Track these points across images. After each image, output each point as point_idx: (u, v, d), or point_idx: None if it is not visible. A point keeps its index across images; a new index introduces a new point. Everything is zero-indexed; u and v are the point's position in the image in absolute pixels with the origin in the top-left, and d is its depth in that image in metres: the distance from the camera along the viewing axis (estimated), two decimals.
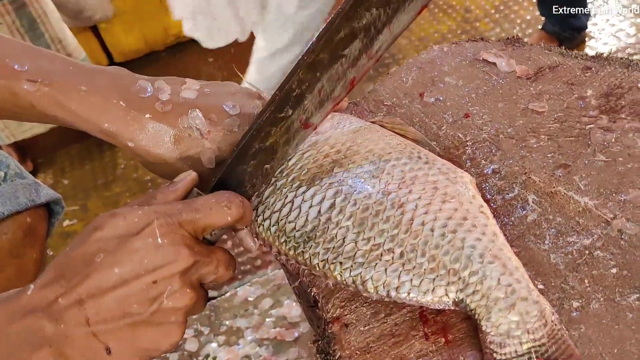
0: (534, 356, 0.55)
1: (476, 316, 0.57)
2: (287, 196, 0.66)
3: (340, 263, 0.61)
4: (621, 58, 0.84)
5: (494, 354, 0.56)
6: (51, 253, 2.55)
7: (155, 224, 0.56)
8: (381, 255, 0.60)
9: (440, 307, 0.59)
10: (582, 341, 0.57)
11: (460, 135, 0.79)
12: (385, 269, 0.59)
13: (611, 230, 0.64)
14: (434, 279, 0.58)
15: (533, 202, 0.68)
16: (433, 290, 0.58)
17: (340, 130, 0.71)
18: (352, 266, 0.61)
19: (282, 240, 0.65)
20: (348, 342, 0.62)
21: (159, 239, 0.56)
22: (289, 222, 0.65)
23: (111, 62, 3.64)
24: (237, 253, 1.96)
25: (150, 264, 0.55)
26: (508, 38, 0.93)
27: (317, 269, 0.63)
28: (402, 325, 0.62)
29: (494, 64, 0.89)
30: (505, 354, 0.55)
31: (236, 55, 3.48)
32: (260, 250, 2.00)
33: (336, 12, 0.58)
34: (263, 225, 0.67)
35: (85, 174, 3.04)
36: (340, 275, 0.61)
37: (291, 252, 0.65)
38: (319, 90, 0.62)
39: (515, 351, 0.55)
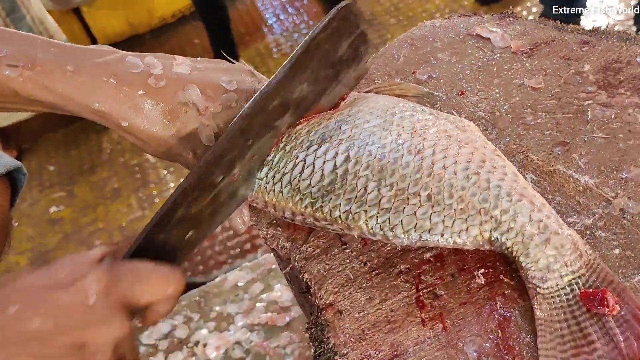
0: (577, 288, 0.55)
1: (513, 253, 0.56)
2: (297, 157, 0.64)
3: (365, 212, 0.59)
4: (618, 32, 0.82)
5: (537, 289, 0.56)
6: (16, 224, 2.52)
7: (89, 278, 0.51)
8: (407, 199, 0.58)
9: (475, 247, 0.57)
10: None
11: (455, 113, 0.76)
12: (415, 212, 0.57)
13: (613, 209, 0.62)
14: (466, 219, 0.57)
15: (531, 182, 0.66)
16: (467, 230, 0.57)
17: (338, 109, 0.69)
18: (378, 213, 0.58)
19: (297, 199, 0.62)
20: (342, 329, 0.60)
21: (92, 297, 0.50)
22: (303, 180, 0.62)
23: None
24: (227, 237, 1.95)
25: (79, 324, 0.49)
26: (502, 12, 0.91)
27: (340, 221, 0.60)
28: (398, 311, 0.60)
29: (488, 39, 0.86)
30: (548, 288, 0.55)
31: None
32: (249, 233, 1.98)
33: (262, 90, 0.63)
34: (274, 190, 0.64)
35: (71, 159, 3.01)
36: (366, 224, 0.59)
37: (308, 210, 0.62)
38: (250, 157, 0.64)
39: (557, 284, 0.55)
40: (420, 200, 0.57)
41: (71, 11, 3.35)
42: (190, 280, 1.85)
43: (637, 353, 0.51)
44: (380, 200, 0.58)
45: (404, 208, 0.58)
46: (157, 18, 3.62)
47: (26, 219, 2.71)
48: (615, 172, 0.65)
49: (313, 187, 0.62)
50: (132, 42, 3.63)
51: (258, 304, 1.60)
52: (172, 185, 2.65)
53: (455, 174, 0.58)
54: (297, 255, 0.67)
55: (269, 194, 0.65)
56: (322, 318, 0.61)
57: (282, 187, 0.63)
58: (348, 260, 0.65)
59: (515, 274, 0.59)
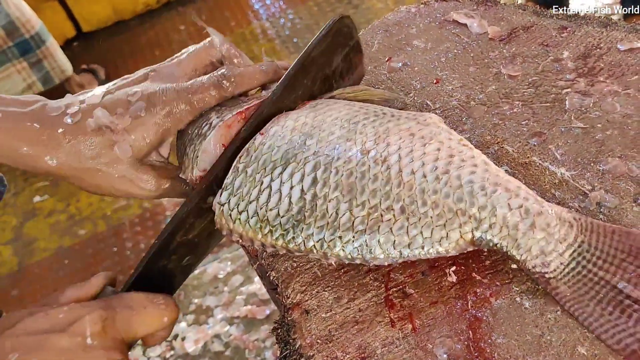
0: (583, 256, 0.53)
1: (504, 249, 0.54)
2: (262, 182, 0.60)
3: (340, 237, 0.56)
4: (599, 17, 0.79)
5: (546, 275, 0.54)
6: None
7: (86, 319, 0.53)
8: (381, 216, 0.56)
9: (459, 252, 0.55)
10: (558, 325, 0.53)
11: (429, 102, 0.74)
12: (390, 229, 0.55)
13: (589, 202, 0.59)
14: (444, 225, 0.54)
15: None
16: (447, 236, 0.54)
17: (298, 109, 0.66)
18: (353, 237, 0.56)
19: (267, 231, 0.59)
20: (309, 330, 0.58)
21: (89, 339, 0.52)
22: (271, 210, 0.59)
23: (79, 32, 3.54)
24: None
25: None
26: None
27: (315, 251, 0.57)
28: (367, 311, 0.58)
29: (465, 25, 0.84)
30: (555, 271, 0.53)
31: (207, 23, 3.40)
32: None
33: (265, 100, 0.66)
34: (239, 219, 0.61)
35: None
36: (343, 250, 0.56)
37: (279, 242, 0.59)
38: None
39: (561, 263, 0.53)
40: (394, 215, 0.55)
41: None
42: None
43: None
44: (353, 223, 0.56)
45: (379, 226, 0.55)
46: (142, 4, 3.57)
47: (10, 208, 2.68)
48: (592, 164, 0.62)
49: (282, 217, 0.59)
50: (117, 28, 3.59)
51: (238, 297, 1.58)
52: None
53: (425, 177, 0.56)
54: (264, 252, 0.65)
55: (234, 222, 0.61)
56: (289, 318, 0.59)
57: (248, 218, 0.60)
58: None
59: (487, 272, 0.57)
